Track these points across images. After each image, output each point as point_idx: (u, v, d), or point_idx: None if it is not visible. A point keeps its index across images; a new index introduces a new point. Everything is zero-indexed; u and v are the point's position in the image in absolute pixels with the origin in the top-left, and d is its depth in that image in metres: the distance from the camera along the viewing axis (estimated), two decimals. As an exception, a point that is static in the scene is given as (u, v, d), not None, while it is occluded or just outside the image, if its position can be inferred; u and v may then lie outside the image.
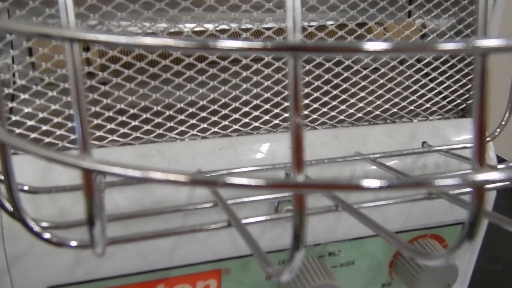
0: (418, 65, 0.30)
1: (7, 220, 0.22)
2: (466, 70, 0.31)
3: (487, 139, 0.28)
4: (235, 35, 0.28)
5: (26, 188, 0.21)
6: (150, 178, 0.12)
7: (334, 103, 0.28)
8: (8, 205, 0.17)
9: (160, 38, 0.12)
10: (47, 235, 0.15)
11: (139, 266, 0.25)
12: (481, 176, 0.12)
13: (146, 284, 0.25)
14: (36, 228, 0.15)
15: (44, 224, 0.18)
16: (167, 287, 0.26)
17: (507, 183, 0.11)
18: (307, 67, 0.28)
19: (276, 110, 0.27)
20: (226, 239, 0.26)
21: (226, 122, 0.27)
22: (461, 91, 0.31)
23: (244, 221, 0.19)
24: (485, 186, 0.12)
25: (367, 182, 0.11)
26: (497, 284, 0.42)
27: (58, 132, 0.24)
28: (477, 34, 0.13)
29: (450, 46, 0.11)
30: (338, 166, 0.27)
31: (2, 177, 0.19)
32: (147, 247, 0.24)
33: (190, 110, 0.26)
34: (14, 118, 0.23)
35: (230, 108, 0.26)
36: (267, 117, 0.27)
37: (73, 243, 0.15)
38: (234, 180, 0.12)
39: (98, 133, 0.24)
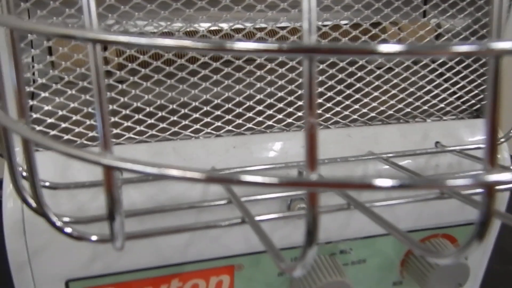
0: (433, 65, 0.30)
1: (28, 215, 0.23)
2: (481, 71, 0.31)
3: (501, 140, 0.28)
4: (249, 35, 0.28)
5: (47, 184, 0.21)
6: (169, 175, 0.12)
7: (347, 102, 0.29)
8: (31, 201, 0.17)
9: (178, 39, 0.12)
10: (68, 230, 0.16)
11: (154, 261, 0.25)
12: (492, 177, 0.12)
13: (161, 278, 0.26)
14: (58, 223, 0.16)
15: (66, 219, 0.18)
16: (181, 282, 0.26)
17: (519, 184, 0.11)
18: (321, 66, 0.28)
19: (290, 109, 0.28)
20: (239, 236, 0.26)
21: (240, 121, 0.27)
22: (476, 91, 0.31)
23: (257, 218, 0.19)
24: (496, 187, 0.12)
25: (379, 181, 0.12)
26: (509, 285, 0.42)
27: (77, 129, 0.24)
28: (491, 36, 0.13)
29: (464, 48, 0.11)
30: (351, 165, 0.27)
31: (25, 174, 0.19)
32: (162, 242, 0.25)
33: (205, 108, 0.26)
34: (34, 115, 0.24)
35: (244, 106, 0.27)
36: (280, 116, 0.28)
37: (94, 238, 0.16)
38: (248, 178, 0.12)
39: (115, 131, 0.25)
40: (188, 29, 0.26)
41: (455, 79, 0.30)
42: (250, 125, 0.27)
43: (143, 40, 0.12)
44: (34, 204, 0.16)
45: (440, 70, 0.30)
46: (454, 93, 0.31)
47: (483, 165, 0.12)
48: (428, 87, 0.30)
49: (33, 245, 0.22)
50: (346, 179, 0.12)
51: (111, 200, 0.14)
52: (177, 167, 0.12)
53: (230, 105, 0.27)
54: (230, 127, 0.27)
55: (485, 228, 0.13)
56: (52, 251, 0.23)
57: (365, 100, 0.29)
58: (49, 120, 0.24)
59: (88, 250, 0.23)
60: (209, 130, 0.27)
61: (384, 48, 0.11)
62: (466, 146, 0.28)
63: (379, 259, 0.30)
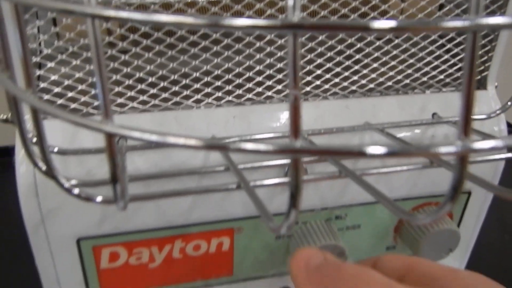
0: (433, 36, 0.30)
1: (40, 178, 0.24)
2: (482, 42, 0.31)
3: (497, 112, 0.29)
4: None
5: (56, 149, 0.23)
6: (166, 142, 0.13)
7: (346, 73, 0.29)
8: (42, 165, 0.18)
9: (175, 16, 0.13)
10: (76, 191, 0.17)
11: (159, 222, 0.27)
12: (464, 146, 0.13)
13: (165, 239, 0.27)
14: (66, 185, 0.17)
15: (73, 182, 0.20)
16: (184, 243, 0.28)
17: (488, 152, 0.12)
18: (320, 37, 0.28)
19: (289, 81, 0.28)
20: (239, 201, 0.27)
21: (240, 92, 0.28)
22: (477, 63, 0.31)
23: (252, 183, 0.20)
24: (468, 155, 0.13)
25: (359, 148, 0.12)
26: (504, 252, 0.43)
27: (83, 98, 0.25)
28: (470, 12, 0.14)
29: (454, 24, 0.12)
30: (347, 136, 0.28)
31: (34, 140, 0.21)
32: (166, 206, 0.26)
33: (206, 79, 0.27)
34: (42, 85, 0.25)
35: (244, 77, 0.28)
36: (279, 87, 0.28)
37: (99, 199, 0.17)
38: (239, 145, 0.13)
39: (119, 100, 0.26)
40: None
41: (455, 50, 0.31)
42: (250, 95, 0.28)
43: (140, 16, 0.13)
44: (44, 168, 0.18)
45: (440, 42, 0.30)
46: (454, 64, 0.31)
47: (458, 134, 0.13)
48: (428, 59, 0.30)
49: (46, 207, 0.24)
50: (328, 146, 0.13)
51: (113, 164, 0.15)
52: (175, 134, 0.13)
53: (230, 76, 0.27)
54: (230, 98, 0.28)
55: (457, 191, 0.13)
56: (63, 211, 0.24)
57: (364, 71, 0.30)
58: (56, 90, 0.25)
59: (97, 211, 0.25)
60: (210, 101, 0.28)
61: (374, 24, 0.12)
62: (462, 117, 0.29)
63: (373, 225, 0.31)
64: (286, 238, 0.30)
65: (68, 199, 0.24)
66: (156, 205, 0.26)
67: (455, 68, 0.31)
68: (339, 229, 0.30)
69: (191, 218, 0.27)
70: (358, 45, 0.29)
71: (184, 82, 0.27)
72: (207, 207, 0.27)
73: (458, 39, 0.30)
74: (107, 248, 0.27)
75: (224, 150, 0.13)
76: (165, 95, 0.27)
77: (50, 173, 0.17)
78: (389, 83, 0.30)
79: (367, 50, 0.29)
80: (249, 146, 0.13)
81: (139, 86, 0.26)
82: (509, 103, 0.28)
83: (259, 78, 0.28)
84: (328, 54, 0.28)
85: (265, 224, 0.16)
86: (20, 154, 0.24)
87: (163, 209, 0.26)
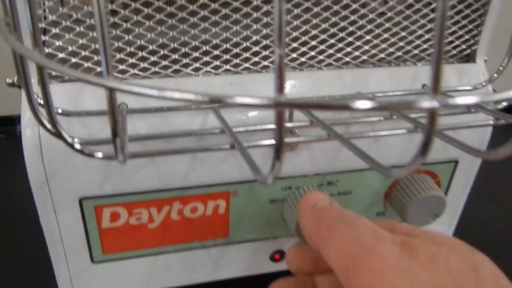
0: (425, 10, 0.31)
1: (45, 140, 0.25)
2: (473, 16, 0.31)
3: (482, 84, 0.30)
4: None
5: (59, 111, 0.24)
6: (164, 96, 0.15)
7: (340, 45, 0.30)
8: (47, 124, 0.20)
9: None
10: (78, 146, 0.18)
11: (158, 184, 0.28)
12: (433, 102, 0.14)
13: (164, 200, 0.29)
14: (70, 140, 0.18)
15: (77, 141, 0.21)
16: (181, 204, 0.29)
17: (455, 109, 0.13)
18: (315, 9, 0.29)
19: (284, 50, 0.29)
20: (235, 165, 0.29)
21: (237, 61, 0.29)
22: (467, 36, 0.32)
23: (246, 144, 0.22)
24: (436, 111, 0.14)
25: (343, 102, 0.14)
26: (492, 222, 0.45)
27: (86, 64, 0.26)
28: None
29: None
30: (339, 104, 0.29)
31: (40, 101, 0.22)
32: (165, 168, 0.28)
33: (204, 48, 0.28)
34: (47, 50, 0.26)
35: (241, 47, 0.29)
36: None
37: (100, 154, 0.19)
38: (229, 99, 0.14)
39: (120, 67, 0.27)
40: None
41: (446, 24, 0.31)
42: (247, 65, 0.29)
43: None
44: (49, 126, 0.19)
45: (432, 15, 0.31)
46: (445, 38, 0.32)
47: (428, 91, 0.14)
48: (420, 32, 0.31)
49: (50, 167, 0.25)
50: (309, 100, 0.14)
51: (113, 119, 0.17)
52: (172, 89, 0.15)
53: (228, 45, 0.28)
54: (228, 67, 0.29)
55: (427, 146, 0.15)
56: (67, 172, 0.26)
57: (358, 43, 0.30)
58: (61, 55, 0.26)
59: (99, 172, 0.26)
60: (208, 69, 0.29)
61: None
62: (451, 88, 0.30)
63: (364, 192, 0.32)
64: (280, 203, 0.31)
65: (71, 160, 0.26)
66: (155, 167, 0.28)
67: (445, 41, 0.32)
68: (331, 195, 0.32)
69: (188, 181, 0.29)
70: (352, 18, 0.29)
71: (183, 50, 0.28)
72: (204, 171, 0.29)
73: (449, 13, 0.31)
74: (108, 208, 0.28)
75: (216, 103, 0.14)
76: (165, 62, 0.28)
77: (55, 130, 0.18)
78: (382, 55, 0.31)
79: (360, 23, 0.30)
80: (238, 99, 0.14)
81: (140, 54, 0.27)
82: (495, 75, 0.29)
83: (256, 48, 0.29)
84: (323, 26, 0.29)
85: (253, 174, 0.17)
86: (26, 116, 0.25)
87: (162, 172, 0.28)
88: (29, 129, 0.26)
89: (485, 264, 0.17)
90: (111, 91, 0.16)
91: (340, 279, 0.18)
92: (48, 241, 0.29)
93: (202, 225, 0.31)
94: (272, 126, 0.26)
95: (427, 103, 0.14)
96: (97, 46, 0.26)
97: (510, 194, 0.49)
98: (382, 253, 0.17)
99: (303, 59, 0.30)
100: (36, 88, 0.24)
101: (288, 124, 0.26)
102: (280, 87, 0.14)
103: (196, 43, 0.28)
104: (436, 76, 0.14)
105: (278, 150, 0.15)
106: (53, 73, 0.26)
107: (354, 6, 0.30)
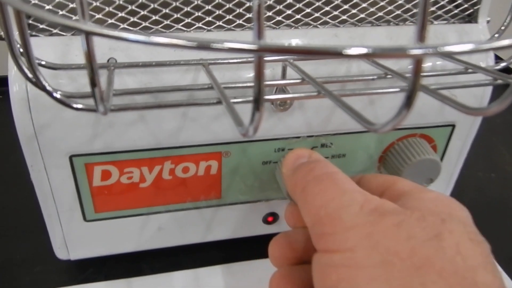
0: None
1: (32, 94, 0.25)
2: (478, -27, 0.30)
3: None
4: None
5: (43, 62, 0.24)
6: (151, 42, 0.14)
7: (336, 2, 0.29)
8: (29, 74, 0.19)
9: None
10: (58, 95, 0.18)
11: (149, 143, 0.28)
12: (418, 51, 0.13)
13: (155, 160, 0.29)
14: (49, 88, 0.18)
15: (59, 93, 0.21)
16: (173, 164, 0.29)
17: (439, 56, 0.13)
18: (312, -37, 0.28)
19: (279, 7, 0.28)
20: (227, 125, 0.28)
21: (230, 17, 0.28)
22: (470, -5, 0.31)
23: (232, 100, 0.21)
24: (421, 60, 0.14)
25: (334, 48, 0.13)
26: (489, 190, 0.45)
27: (60, 12, 0.26)
28: None
29: None
30: (334, 63, 0.29)
31: (22, 50, 0.21)
32: (155, 126, 0.27)
33: (196, 2, 0.27)
34: (34, 1, 0.25)
35: (233, 2, 0.28)
36: (270, 14, 0.28)
37: (79, 106, 0.18)
38: (215, 45, 0.14)
39: (109, 21, 0.26)
40: None
41: (450, -19, 0.30)
42: (240, 21, 0.28)
43: None
44: (30, 75, 0.18)
45: (435, -29, 0.30)
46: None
47: (414, 40, 0.14)
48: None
49: (38, 121, 0.25)
50: (289, 46, 0.13)
51: (91, 68, 0.16)
52: (161, 35, 0.14)
53: (221, 0, 0.27)
54: (220, 23, 0.28)
55: (411, 98, 0.14)
56: (56, 127, 0.26)
57: (355, 0, 0.29)
58: (47, 7, 0.25)
59: (88, 129, 0.26)
60: (200, 25, 0.28)
61: None
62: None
63: (358, 155, 0.32)
64: (273, 164, 0.31)
65: (59, 116, 0.26)
66: (145, 125, 0.27)
67: (446, 0, 0.31)
68: (325, 157, 0.31)
69: (180, 140, 0.28)
70: (351, -27, 0.28)
71: (174, 4, 0.27)
72: (196, 130, 0.28)
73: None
74: (99, 166, 0.28)
75: (203, 48, 0.14)
76: (155, 17, 0.27)
77: (34, 76, 0.18)
78: (380, 14, 0.30)
79: (359, -22, 0.29)
80: (219, 45, 0.14)
81: (130, 7, 0.26)
82: (496, 35, 0.28)
83: (249, 4, 0.28)
84: (319, -19, 0.28)
85: (236, 126, 0.17)
86: (13, 71, 0.25)
87: (153, 129, 0.27)
88: (16, 85, 0.25)
89: (453, 234, 0.16)
90: (87, 36, 0.15)
91: (312, 241, 0.19)
92: (40, 198, 0.29)
93: (194, 185, 0.31)
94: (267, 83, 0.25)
95: (413, 50, 0.13)
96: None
97: (509, 163, 0.48)
98: (346, 220, 0.18)
99: (298, 16, 0.29)
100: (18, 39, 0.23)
101: (280, 82, 0.25)
102: (259, 32, 0.13)
103: (188, -3, 0.27)
104: (422, 23, 0.13)
105: (257, 101, 0.14)
106: (40, 26, 0.26)
107: (352, -40, 0.28)
